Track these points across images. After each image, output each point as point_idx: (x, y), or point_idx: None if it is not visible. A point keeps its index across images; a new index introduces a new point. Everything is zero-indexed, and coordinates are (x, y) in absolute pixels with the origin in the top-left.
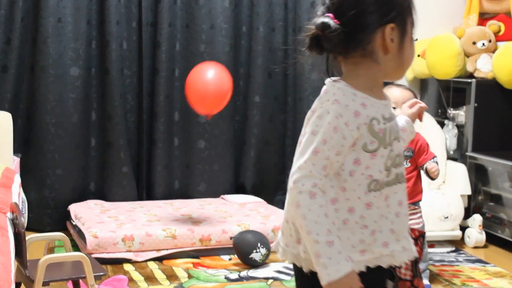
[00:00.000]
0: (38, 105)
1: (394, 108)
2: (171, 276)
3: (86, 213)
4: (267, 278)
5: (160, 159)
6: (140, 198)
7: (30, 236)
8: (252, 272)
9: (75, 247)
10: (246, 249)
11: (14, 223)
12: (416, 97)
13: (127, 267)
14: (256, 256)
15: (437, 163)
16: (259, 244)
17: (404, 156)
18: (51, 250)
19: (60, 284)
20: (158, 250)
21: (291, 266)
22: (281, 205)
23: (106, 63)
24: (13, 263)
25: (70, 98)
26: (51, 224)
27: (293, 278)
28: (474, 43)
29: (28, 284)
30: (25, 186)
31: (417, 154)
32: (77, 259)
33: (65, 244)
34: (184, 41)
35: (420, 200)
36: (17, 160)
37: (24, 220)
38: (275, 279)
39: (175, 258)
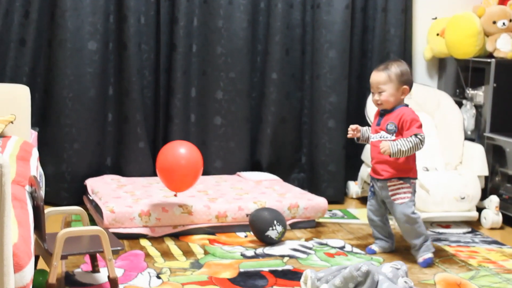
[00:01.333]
0: (56, 79)
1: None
2: (187, 252)
3: (103, 188)
4: (282, 256)
5: (176, 135)
6: (156, 173)
7: (48, 210)
8: (268, 250)
9: (92, 222)
10: (262, 227)
11: (33, 196)
12: (395, 78)
13: (144, 242)
14: (272, 233)
15: (420, 140)
16: (275, 222)
17: (387, 130)
18: (68, 224)
19: (77, 258)
20: (175, 226)
21: (307, 244)
22: (297, 182)
23: (124, 37)
24: (32, 236)
25: (88, 73)
26: (68, 198)
27: (309, 256)
28: (494, 22)
29: (46, 257)
30: (42, 160)
31: (401, 129)
32: (95, 233)
33: (83, 218)
34: (202, 17)
35: (411, 178)
36: (34, 134)
37: (42, 193)
38: (290, 256)
39: (191, 234)
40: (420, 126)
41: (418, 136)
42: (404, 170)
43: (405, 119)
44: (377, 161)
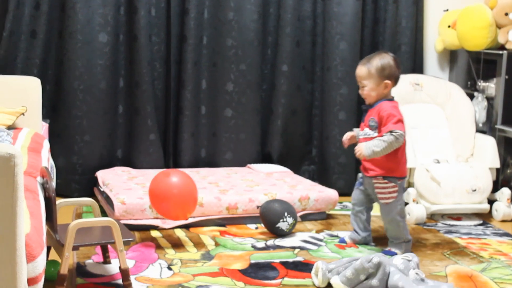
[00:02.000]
0: (67, 71)
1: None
2: (198, 244)
3: (114, 180)
4: (293, 248)
5: (187, 127)
6: (167, 165)
7: (59, 201)
8: (279, 241)
9: (103, 213)
10: (272, 218)
11: (45, 187)
12: (375, 73)
13: (155, 233)
14: (282, 225)
15: (396, 137)
16: (285, 214)
17: (370, 126)
18: (79, 216)
19: (89, 249)
20: None
21: (318, 235)
22: (307, 175)
23: (134, 29)
24: (44, 227)
25: (98, 65)
26: (79, 190)
27: (320, 248)
28: (506, 14)
29: (58, 248)
30: (53, 151)
31: (380, 124)
32: (106, 224)
33: (94, 209)
34: (213, 8)
35: (397, 177)
36: (45, 125)
37: (53, 185)
38: (301, 248)
39: (202, 226)
40: (398, 121)
41: (393, 133)
42: (390, 169)
43: (382, 115)
44: (365, 159)
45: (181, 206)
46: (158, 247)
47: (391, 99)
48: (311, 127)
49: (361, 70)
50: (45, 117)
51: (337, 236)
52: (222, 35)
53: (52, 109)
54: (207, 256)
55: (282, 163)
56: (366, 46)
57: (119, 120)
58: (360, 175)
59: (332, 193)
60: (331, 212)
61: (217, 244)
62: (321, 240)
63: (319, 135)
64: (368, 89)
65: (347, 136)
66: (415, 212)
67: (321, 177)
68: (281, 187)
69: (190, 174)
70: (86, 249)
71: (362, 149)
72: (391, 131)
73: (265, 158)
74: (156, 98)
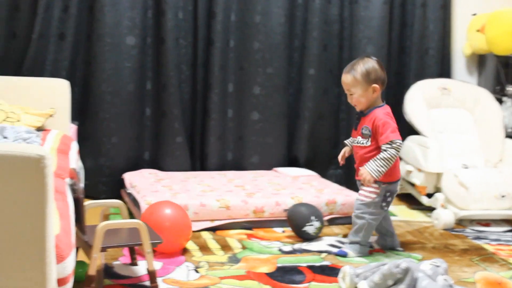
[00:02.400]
0: (95, 74)
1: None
2: (225, 247)
3: (141, 182)
4: (320, 252)
5: (213, 130)
6: (193, 168)
7: (88, 203)
8: (306, 245)
9: (130, 215)
10: (299, 222)
11: (73, 188)
12: (361, 79)
13: None
14: (309, 229)
15: (396, 148)
16: (312, 217)
17: (362, 134)
18: (106, 217)
19: (116, 251)
20: (212, 220)
21: (345, 240)
22: (334, 179)
23: (162, 32)
24: (73, 228)
25: (126, 67)
26: (106, 191)
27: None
28: None
29: (86, 249)
30: (81, 153)
31: (375, 133)
32: (134, 226)
33: (122, 211)
34: (240, 12)
35: (384, 182)
36: (74, 127)
37: (82, 186)
38: (328, 252)
39: (228, 229)
40: (395, 130)
41: (394, 145)
42: (383, 175)
43: (377, 124)
44: (357, 165)
45: (174, 238)
46: (185, 249)
47: (382, 105)
48: (338, 131)
49: (347, 78)
50: (73, 119)
51: None
52: (249, 38)
53: (80, 111)
54: (234, 259)
55: (309, 167)
56: (393, 49)
57: (146, 123)
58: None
59: None
60: None
61: (244, 247)
62: None
63: (346, 139)
64: (357, 96)
65: (342, 154)
66: (443, 217)
67: (348, 181)
68: (308, 191)
69: (217, 177)
70: (113, 250)
71: (366, 176)
72: (391, 142)
73: (291, 161)
74: (183, 101)
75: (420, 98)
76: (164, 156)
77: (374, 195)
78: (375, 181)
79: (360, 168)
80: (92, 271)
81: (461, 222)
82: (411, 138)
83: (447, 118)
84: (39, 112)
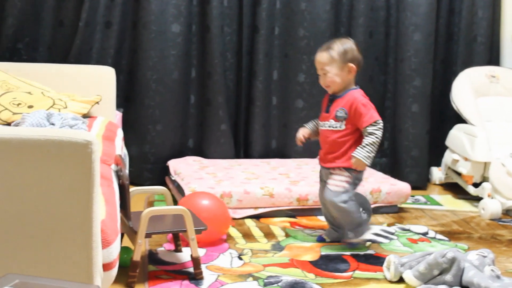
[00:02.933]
0: (140, 61)
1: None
2: (268, 234)
3: (185, 169)
4: (365, 240)
5: (258, 117)
6: (237, 156)
7: (133, 189)
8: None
9: (174, 202)
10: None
11: (118, 175)
12: (337, 57)
13: None
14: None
15: (379, 129)
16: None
17: (336, 117)
18: (150, 204)
19: (160, 237)
20: (256, 208)
21: (389, 229)
22: (379, 167)
23: (207, 20)
24: (118, 214)
25: (171, 55)
26: (151, 178)
27: (391, 242)
28: None
29: (131, 235)
30: (126, 140)
31: (352, 116)
32: (178, 212)
33: (166, 197)
34: None
35: (352, 170)
36: (119, 114)
37: (127, 172)
38: (373, 241)
39: (272, 217)
40: (375, 109)
41: (378, 125)
42: (348, 158)
43: (357, 106)
44: (327, 152)
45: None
46: (229, 236)
47: (357, 88)
48: (383, 119)
49: (322, 56)
50: (118, 106)
51: (409, 230)
52: (294, 25)
53: (126, 98)
54: (278, 247)
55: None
56: (440, 37)
57: (191, 110)
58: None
59: (405, 186)
60: (403, 205)
61: (287, 235)
62: (392, 234)
63: (392, 127)
64: (332, 75)
65: (302, 133)
66: (490, 207)
67: (393, 170)
68: None
69: (260, 165)
70: (158, 236)
71: (359, 164)
72: (376, 122)
73: None
74: (227, 88)
75: (468, 86)
76: (208, 143)
77: (346, 184)
78: (345, 169)
79: (352, 155)
80: (136, 257)
81: (508, 212)
82: (458, 127)
83: (495, 106)
84: (85, 99)
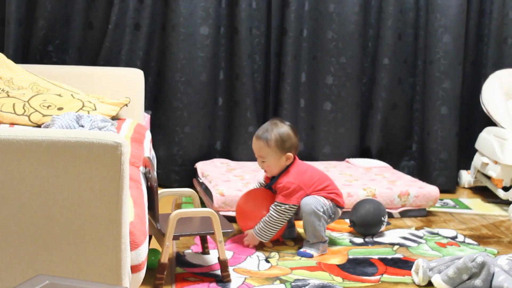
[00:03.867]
0: (169, 63)
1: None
2: (295, 237)
3: (213, 171)
4: (392, 244)
5: (286, 119)
6: None
7: (161, 191)
8: (377, 237)
9: (202, 204)
10: (372, 230)
11: (147, 177)
12: (275, 147)
13: None
14: (382, 228)
15: (283, 211)
16: (382, 218)
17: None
18: (178, 206)
19: (188, 239)
20: None
21: (417, 232)
22: (406, 170)
23: (235, 22)
24: (147, 216)
25: (199, 57)
26: (178, 180)
27: (420, 245)
28: None
29: (158, 237)
30: (154, 142)
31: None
32: (206, 215)
33: (194, 200)
34: (313, 1)
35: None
36: (147, 116)
37: (155, 175)
38: (401, 245)
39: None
40: (290, 194)
41: (280, 208)
42: (325, 196)
43: (278, 188)
44: None
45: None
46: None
47: (289, 165)
48: (411, 121)
49: (259, 144)
50: (147, 108)
51: (437, 234)
52: (322, 27)
53: (154, 100)
54: None
55: (381, 158)
56: (470, 39)
57: (219, 112)
58: None
59: (433, 190)
60: (432, 209)
61: None
62: (421, 237)
63: (420, 130)
64: (269, 164)
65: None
66: None
67: (421, 173)
68: (381, 182)
69: None
70: (185, 239)
71: (253, 240)
72: (276, 204)
73: (364, 152)
74: (255, 90)
75: (498, 88)
76: (236, 145)
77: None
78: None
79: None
80: (164, 259)
81: None
82: (488, 130)
83: None
84: (114, 102)
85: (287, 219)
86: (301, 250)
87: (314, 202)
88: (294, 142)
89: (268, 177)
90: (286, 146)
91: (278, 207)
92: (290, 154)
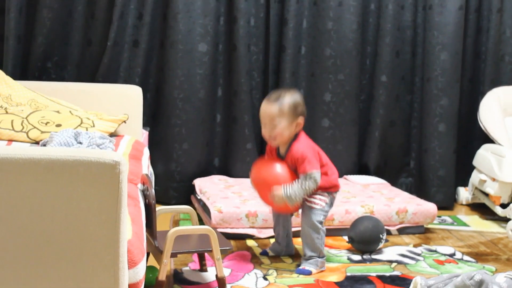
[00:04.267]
0: (167, 80)
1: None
2: (294, 254)
3: (211, 188)
4: (390, 261)
5: None
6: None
7: (159, 208)
8: (375, 255)
9: (200, 221)
10: (370, 247)
11: (145, 194)
12: (288, 111)
13: (250, 243)
14: (380, 245)
15: (315, 180)
16: (380, 235)
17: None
18: (176, 223)
19: (186, 256)
20: None
21: (415, 250)
22: (404, 187)
23: (234, 39)
24: (144, 233)
25: (198, 74)
26: (176, 197)
27: (418, 263)
28: None
29: (156, 254)
30: (153, 159)
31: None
32: (204, 232)
33: (192, 217)
34: (312, 18)
35: (332, 192)
36: (145, 133)
37: (153, 192)
38: (398, 262)
39: (297, 237)
40: (311, 161)
41: (312, 177)
42: (325, 188)
43: (294, 156)
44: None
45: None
46: (254, 256)
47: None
48: (409, 138)
49: (272, 108)
50: (145, 124)
51: (435, 251)
52: (320, 45)
53: (152, 117)
54: None
55: (379, 175)
56: (468, 56)
57: (217, 129)
58: None
59: (431, 207)
60: (429, 226)
61: None
62: (419, 255)
63: (418, 147)
64: (281, 128)
65: None
66: None
67: (419, 190)
68: (378, 199)
69: None
70: (183, 256)
71: (281, 196)
72: (308, 175)
73: (362, 169)
74: (253, 107)
75: (496, 105)
76: (234, 162)
77: (324, 204)
78: (323, 190)
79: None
80: (162, 276)
81: None
82: (485, 147)
83: None
84: (112, 118)
85: (317, 185)
86: (300, 267)
87: (315, 215)
88: (304, 108)
89: (273, 147)
90: (299, 111)
91: (310, 175)
92: (301, 121)
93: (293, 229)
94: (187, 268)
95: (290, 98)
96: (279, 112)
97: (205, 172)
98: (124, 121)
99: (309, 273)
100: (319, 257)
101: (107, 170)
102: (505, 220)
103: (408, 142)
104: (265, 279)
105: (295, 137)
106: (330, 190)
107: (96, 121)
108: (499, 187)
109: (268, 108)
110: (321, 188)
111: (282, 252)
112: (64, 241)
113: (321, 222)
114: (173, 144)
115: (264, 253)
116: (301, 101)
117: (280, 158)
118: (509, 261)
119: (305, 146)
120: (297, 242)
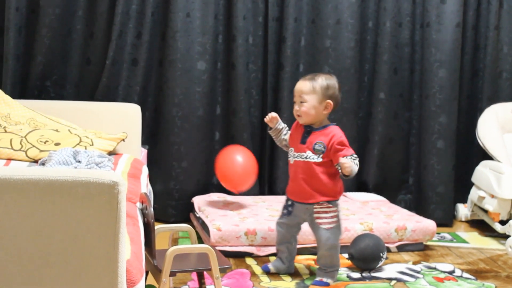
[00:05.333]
0: (166, 98)
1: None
2: (293, 272)
3: (210, 206)
4: (390, 279)
5: (282, 154)
6: (262, 192)
7: (157, 227)
8: (375, 272)
9: (199, 239)
10: (370, 265)
11: (144, 213)
12: (319, 90)
13: (249, 261)
14: (380, 263)
15: (354, 160)
16: (381, 254)
17: (314, 150)
18: (175, 241)
19: (184, 275)
20: None
21: (415, 267)
22: (403, 204)
23: (232, 57)
24: (143, 253)
25: (196, 92)
26: (175, 215)
27: (417, 280)
28: None
29: (155, 273)
30: (151, 177)
31: (329, 150)
32: (203, 251)
33: (191, 235)
34: (310, 36)
35: (337, 200)
36: (144, 151)
37: (152, 210)
38: (398, 280)
39: (297, 254)
40: (347, 143)
41: (357, 158)
42: (333, 193)
43: (335, 140)
44: (304, 185)
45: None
46: (253, 274)
47: (334, 124)
48: (408, 155)
49: (305, 85)
50: (144, 143)
51: (435, 268)
52: (318, 62)
53: (151, 135)
54: (302, 285)
55: (378, 192)
56: (465, 73)
57: (216, 147)
58: (286, 202)
59: (430, 224)
60: (429, 243)
61: (312, 273)
62: (418, 272)
63: (417, 164)
64: (309, 106)
65: (274, 115)
66: None
67: (418, 207)
68: (377, 216)
69: None
70: (182, 275)
71: (351, 167)
72: (353, 155)
73: (360, 186)
74: (252, 125)
75: (494, 122)
76: None
77: (336, 219)
78: (330, 201)
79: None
80: None
81: None
82: (484, 163)
83: None
84: (111, 137)
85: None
86: (317, 279)
87: (334, 236)
88: (336, 94)
89: (300, 124)
90: (329, 93)
91: (355, 156)
92: (330, 102)
93: (298, 246)
94: (186, 287)
95: (324, 79)
96: (309, 89)
97: (204, 190)
98: (123, 140)
99: (327, 284)
100: (336, 270)
101: (105, 190)
102: (505, 236)
103: (407, 159)
104: None
105: (326, 126)
106: (338, 197)
107: (95, 140)
108: (498, 204)
109: (301, 85)
110: (332, 194)
111: (283, 271)
112: (63, 262)
113: (339, 238)
114: (172, 162)
115: (265, 269)
116: (335, 86)
117: (306, 135)
118: (508, 278)
119: (340, 133)
120: (298, 260)
